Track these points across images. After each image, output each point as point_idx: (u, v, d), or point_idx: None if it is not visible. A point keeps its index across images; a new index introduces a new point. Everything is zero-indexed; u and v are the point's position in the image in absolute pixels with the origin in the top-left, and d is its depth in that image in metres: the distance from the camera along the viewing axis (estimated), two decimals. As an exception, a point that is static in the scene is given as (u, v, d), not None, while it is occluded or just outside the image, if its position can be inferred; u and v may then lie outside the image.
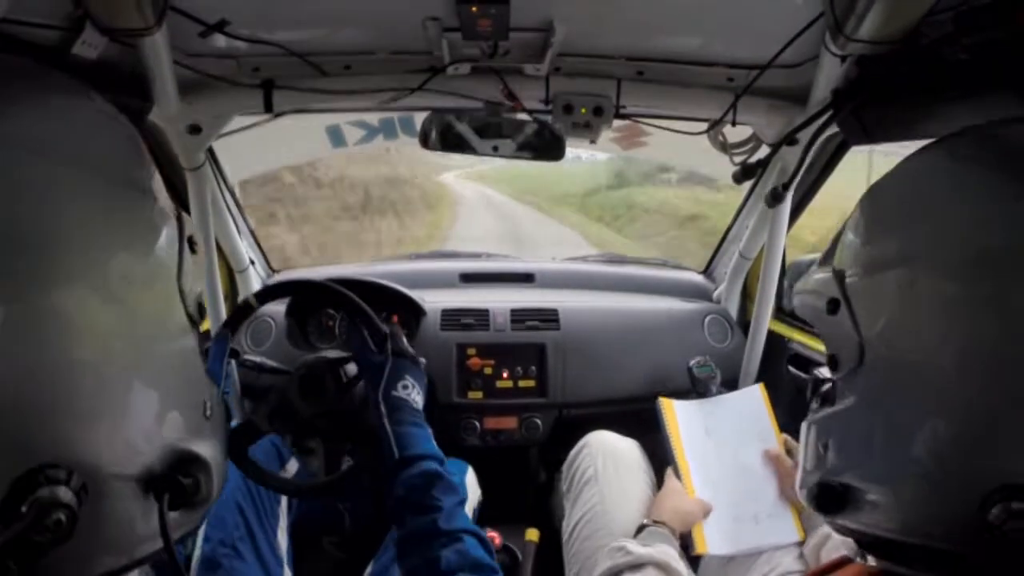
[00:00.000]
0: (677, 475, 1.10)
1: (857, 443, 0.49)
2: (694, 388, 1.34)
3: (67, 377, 0.40)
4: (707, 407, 1.26)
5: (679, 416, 1.23)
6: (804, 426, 0.56)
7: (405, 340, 0.98)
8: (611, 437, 1.18)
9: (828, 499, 0.50)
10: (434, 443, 0.85)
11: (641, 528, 0.95)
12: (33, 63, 0.49)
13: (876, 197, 0.51)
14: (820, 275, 0.54)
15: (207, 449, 0.51)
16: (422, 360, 0.97)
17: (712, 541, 1.03)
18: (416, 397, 0.90)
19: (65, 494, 0.38)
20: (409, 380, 0.90)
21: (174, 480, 0.46)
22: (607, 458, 1.12)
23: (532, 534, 1.17)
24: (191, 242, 0.52)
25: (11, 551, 0.37)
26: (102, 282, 0.42)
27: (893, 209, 0.49)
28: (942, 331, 0.43)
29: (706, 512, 1.05)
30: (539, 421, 1.45)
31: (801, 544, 0.98)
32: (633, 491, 1.07)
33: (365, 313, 0.99)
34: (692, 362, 1.37)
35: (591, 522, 1.03)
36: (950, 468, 0.43)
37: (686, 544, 1.01)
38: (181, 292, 0.49)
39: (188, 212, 1.29)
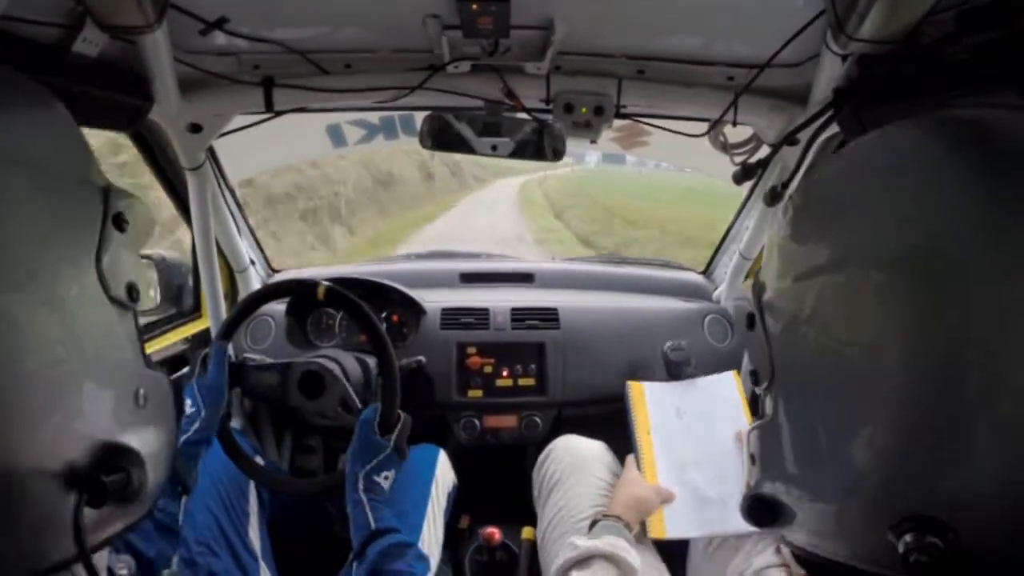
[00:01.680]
0: (638, 462, 1.11)
1: (774, 457, 0.49)
2: (668, 371, 1.35)
3: None
4: (679, 389, 1.27)
5: (648, 397, 1.23)
6: (743, 440, 0.56)
7: (407, 433, 1.01)
8: (576, 440, 1.19)
9: (759, 512, 0.50)
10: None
11: (593, 523, 0.96)
12: None
13: (788, 207, 0.50)
14: (747, 288, 0.54)
15: (141, 440, 0.48)
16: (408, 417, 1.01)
17: (672, 525, 1.02)
18: (388, 486, 0.96)
19: None
20: (392, 472, 0.96)
21: (94, 477, 0.43)
22: (572, 461, 1.12)
23: (528, 532, 1.17)
24: (118, 219, 0.48)
25: None
26: (6, 268, 0.39)
27: (806, 217, 0.49)
28: (842, 342, 0.42)
29: (666, 498, 1.04)
30: (539, 420, 1.45)
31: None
32: (595, 491, 1.07)
33: (393, 387, 1.02)
34: (666, 345, 1.37)
35: (559, 524, 1.04)
36: (859, 487, 0.41)
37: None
38: (100, 274, 0.46)
39: (188, 212, 1.30)
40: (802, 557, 0.48)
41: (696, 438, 1.15)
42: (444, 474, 1.22)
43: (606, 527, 0.93)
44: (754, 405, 1.35)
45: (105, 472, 0.44)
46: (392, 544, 0.86)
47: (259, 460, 1.17)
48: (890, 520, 0.39)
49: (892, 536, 0.38)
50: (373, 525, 0.88)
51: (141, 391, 0.50)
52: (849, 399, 0.42)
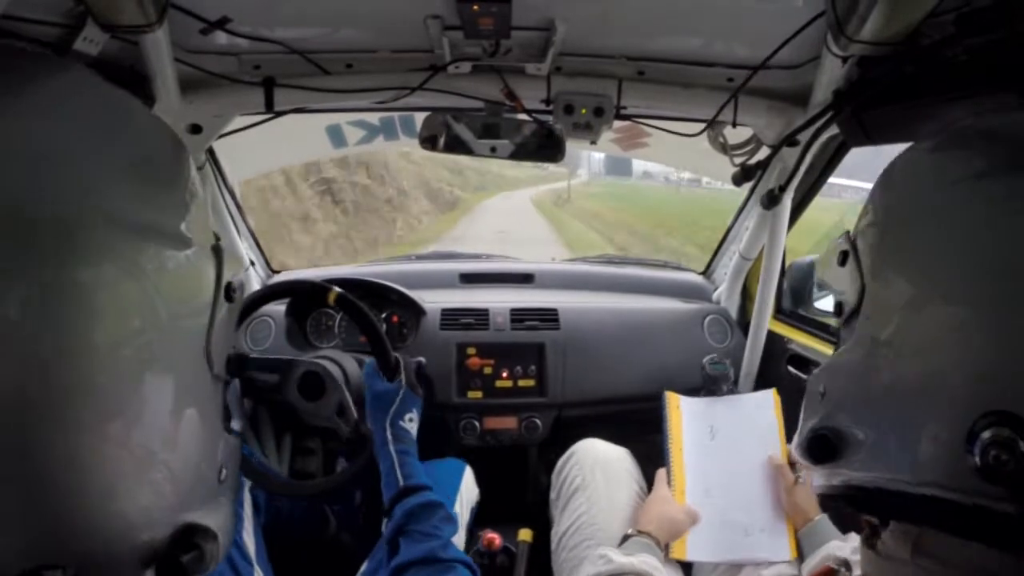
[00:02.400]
0: (668, 478, 1.09)
1: (851, 389, 0.49)
2: (704, 386, 1.33)
3: (70, 457, 0.36)
4: (715, 406, 1.23)
5: (684, 412, 1.21)
6: (811, 376, 0.55)
7: (413, 371, 1.01)
8: (600, 445, 1.18)
9: (820, 447, 0.49)
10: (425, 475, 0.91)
11: (626, 538, 0.95)
12: (76, 63, 0.44)
13: (888, 173, 0.51)
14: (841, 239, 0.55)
15: (217, 517, 0.47)
16: (420, 392, 1.00)
17: (692, 547, 1.01)
18: (414, 429, 0.95)
19: None
20: (414, 413, 0.95)
21: (175, 561, 0.43)
22: (595, 467, 1.11)
23: (525, 534, 1.17)
24: (229, 290, 0.45)
25: None
26: (114, 341, 0.37)
27: (900, 190, 0.49)
28: (934, 265, 0.43)
29: (694, 520, 1.03)
30: (539, 421, 1.45)
31: (798, 563, 0.96)
32: (621, 500, 1.06)
33: (380, 341, 1.01)
34: (706, 359, 1.36)
35: (578, 531, 1.03)
36: (937, 398, 0.40)
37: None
38: (208, 353, 0.43)
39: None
40: (860, 497, 0.47)
41: (726, 460, 1.13)
42: (468, 489, 1.21)
43: (639, 544, 0.92)
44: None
45: (184, 551, 0.43)
46: (419, 504, 0.84)
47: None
48: (971, 419, 0.38)
49: (968, 441, 0.37)
50: (402, 482, 0.87)
51: (224, 468, 0.49)
52: (932, 312, 0.42)
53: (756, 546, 1.00)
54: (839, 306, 0.52)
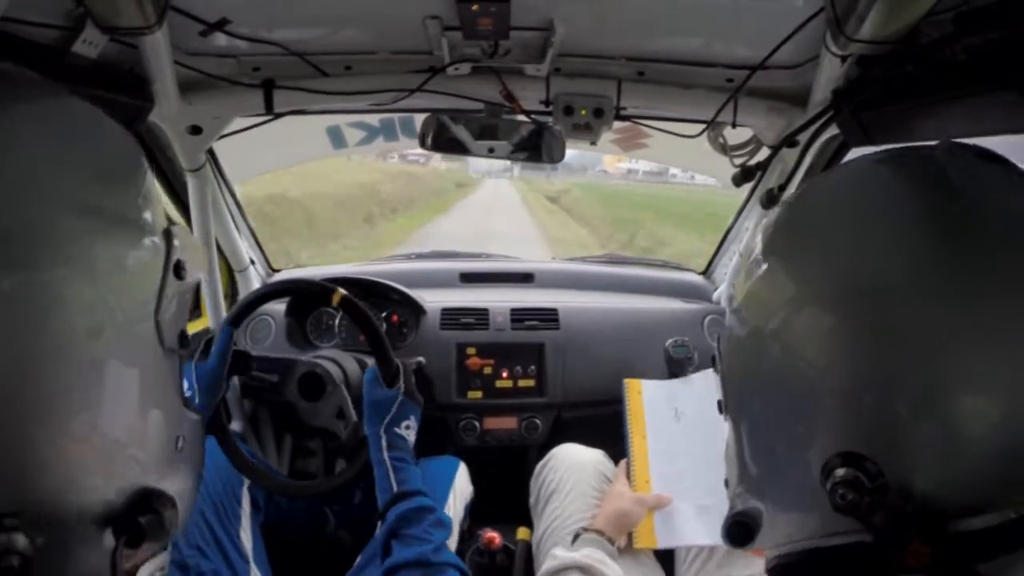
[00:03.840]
0: (629, 468, 1.10)
1: (738, 469, 0.55)
2: (669, 369, 1.33)
3: (27, 416, 0.39)
4: (678, 387, 1.24)
5: (646, 396, 1.21)
6: None
7: (413, 380, 1.00)
8: (576, 450, 1.18)
9: (738, 532, 0.53)
10: (421, 481, 0.91)
11: (576, 536, 0.97)
12: (30, 72, 0.47)
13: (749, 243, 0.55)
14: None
15: (175, 483, 0.49)
16: (420, 398, 1.00)
17: (662, 534, 1.01)
18: (412, 437, 0.95)
19: (19, 540, 0.38)
20: (412, 421, 0.95)
21: (134, 521, 0.44)
22: (569, 471, 1.12)
23: (524, 533, 1.17)
24: (178, 268, 0.48)
25: None
26: (69, 307, 0.39)
27: (770, 233, 0.54)
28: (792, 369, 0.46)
29: (653, 505, 1.03)
30: (538, 421, 1.45)
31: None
32: (590, 501, 1.07)
33: (382, 345, 1.01)
34: (668, 342, 1.35)
35: (553, 533, 1.04)
36: (796, 450, 0.45)
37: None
38: (159, 327, 0.46)
39: (188, 213, 1.30)
40: (785, 566, 0.50)
41: (693, 442, 1.12)
42: (462, 486, 1.22)
43: (587, 540, 0.94)
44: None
45: (141, 513, 0.45)
46: (411, 508, 0.85)
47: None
48: (821, 464, 0.42)
49: (823, 481, 0.42)
50: (395, 488, 0.88)
51: (181, 437, 0.51)
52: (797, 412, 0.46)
53: None
54: (720, 404, 0.58)
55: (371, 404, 0.96)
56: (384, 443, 0.92)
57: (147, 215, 0.47)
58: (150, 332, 0.46)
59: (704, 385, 1.23)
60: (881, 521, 0.40)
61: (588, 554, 0.88)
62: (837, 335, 0.43)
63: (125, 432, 0.44)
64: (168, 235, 0.48)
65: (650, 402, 1.20)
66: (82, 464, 0.42)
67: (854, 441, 0.41)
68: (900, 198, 0.45)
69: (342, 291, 1.05)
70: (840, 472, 0.41)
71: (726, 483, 0.57)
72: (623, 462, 1.12)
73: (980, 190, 0.43)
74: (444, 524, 0.86)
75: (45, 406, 0.39)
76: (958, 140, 0.48)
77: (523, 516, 1.24)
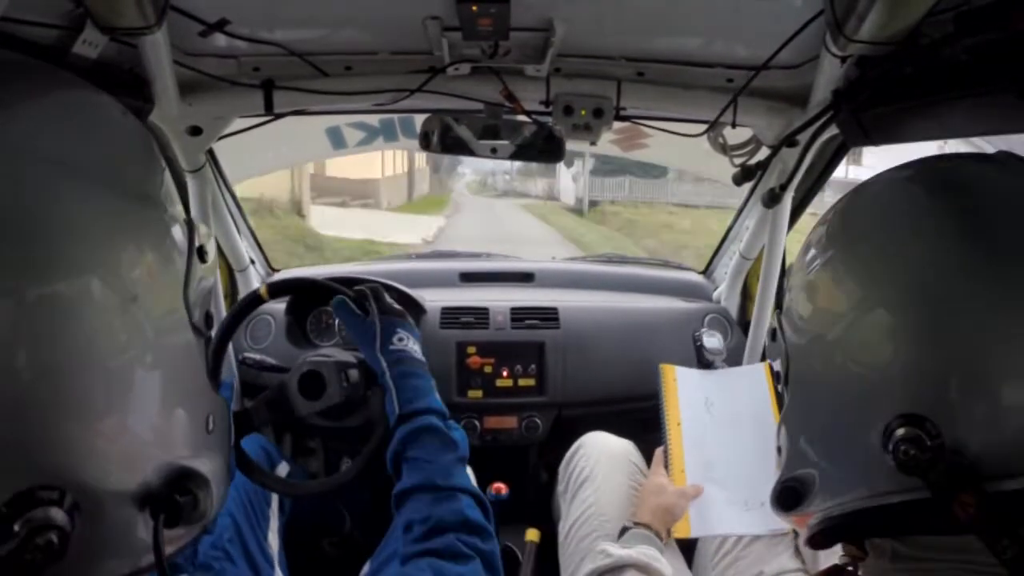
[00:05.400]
0: (666, 459, 1.10)
1: (797, 434, 0.57)
2: (699, 361, 1.33)
3: (65, 390, 0.39)
4: (710, 378, 1.24)
5: (680, 383, 1.21)
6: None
7: (387, 298, 0.95)
8: (607, 438, 1.18)
9: (788, 497, 0.56)
10: (436, 395, 0.86)
11: (624, 530, 0.96)
12: (45, 63, 0.49)
13: (817, 229, 0.58)
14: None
15: (208, 464, 0.50)
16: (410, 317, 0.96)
17: (696, 524, 1.01)
18: (414, 347, 0.90)
19: (57, 515, 0.38)
20: (402, 332, 0.90)
21: (171, 499, 0.45)
22: (602, 459, 1.12)
23: (532, 534, 1.17)
24: (201, 252, 0.50)
25: (4, 570, 0.37)
26: (104, 290, 0.41)
27: (826, 240, 0.56)
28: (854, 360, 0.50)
29: (693, 495, 1.03)
30: (539, 420, 1.45)
31: (796, 537, 0.97)
32: (627, 492, 1.07)
33: (337, 288, 0.97)
34: (698, 332, 1.35)
35: (587, 523, 1.03)
36: (857, 419, 0.49)
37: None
38: (187, 303, 0.48)
39: (188, 213, 1.30)
40: (833, 528, 0.53)
41: (723, 433, 1.13)
42: None
43: (637, 536, 0.93)
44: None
45: (177, 492, 0.46)
46: (413, 430, 0.79)
47: (283, 465, 1.16)
48: (884, 427, 0.46)
49: (885, 442, 0.45)
50: (398, 410, 0.82)
51: (211, 417, 0.52)
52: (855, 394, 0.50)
53: (756, 519, 1.00)
54: (778, 375, 0.61)
55: (355, 335, 0.92)
56: (384, 365, 0.86)
57: (172, 199, 0.50)
58: (181, 313, 0.48)
59: (734, 379, 1.23)
60: (936, 477, 0.43)
61: (644, 552, 0.87)
62: (901, 323, 0.47)
63: (159, 414, 0.46)
64: (189, 223, 0.51)
65: (684, 389, 1.20)
66: (118, 446, 0.43)
67: (914, 404, 0.45)
68: (956, 207, 0.49)
69: (265, 283, 1.03)
70: (901, 431, 0.44)
71: (778, 450, 0.60)
72: (659, 450, 1.12)
73: None
74: (453, 443, 0.79)
75: (81, 389, 0.40)
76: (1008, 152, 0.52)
77: (523, 516, 1.25)
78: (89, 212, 0.42)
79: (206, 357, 0.52)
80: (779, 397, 1.19)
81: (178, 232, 0.49)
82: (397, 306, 0.95)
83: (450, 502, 0.71)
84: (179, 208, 0.50)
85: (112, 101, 0.49)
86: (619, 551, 0.87)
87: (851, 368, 0.50)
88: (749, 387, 1.19)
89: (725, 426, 1.14)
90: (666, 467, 1.09)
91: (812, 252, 0.57)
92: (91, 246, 0.41)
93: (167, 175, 0.50)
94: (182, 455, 0.48)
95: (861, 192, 0.57)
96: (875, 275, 0.50)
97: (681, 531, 1.00)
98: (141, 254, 0.44)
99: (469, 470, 1.21)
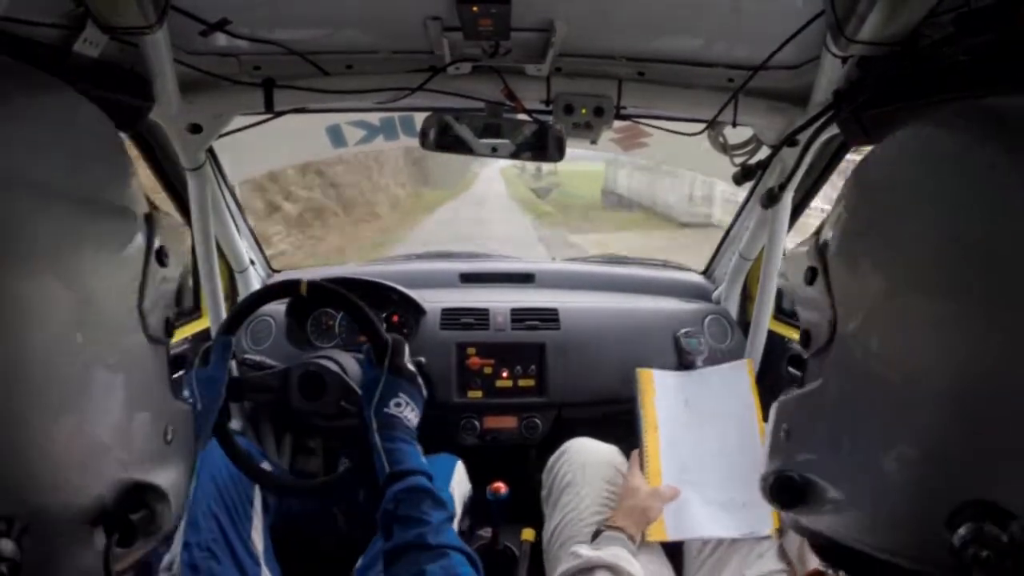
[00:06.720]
0: (642, 460, 1.10)
1: (820, 432, 0.45)
2: (679, 360, 1.33)
3: (9, 422, 0.37)
4: (689, 379, 1.24)
5: (657, 386, 1.21)
6: (772, 407, 0.51)
7: (407, 354, 0.96)
8: (590, 443, 1.18)
9: (785, 491, 0.46)
10: (423, 459, 0.87)
11: (597, 533, 0.96)
12: (21, 64, 0.44)
13: (864, 165, 0.46)
14: (806, 246, 0.49)
15: (166, 476, 0.48)
16: (420, 380, 0.96)
17: (672, 527, 1.01)
18: (409, 415, 0.90)
19: (7, 546, 0.36)
20: (403, 398, 0.90)
21: (124, 518, 0.43)
22: (585, 464, 1.12)
23: (528, 534, 1.17)
24: (160, 254, 0.46)
25: None
26: (55, 293, 0.38)
27: (877, 182, 0.44)
28: (920, 322, 0.38)
29: (669, 497, 1.03)
30: (539, 421, 1.45)
31: (779, 538, 0.96)
32: (602, 498, 1.07)
33: (370, 324, 0.98)
34: (679, 332, 1.35)
35: (567, 528, 1.04)
36: (919, 472, 0.37)
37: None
38: (141, 313, 0.45)
39: (188, 212, 1.30)
40: (826, 547, 0.45)
41: (703, 435, 1.13)
42: (460, 484, 1.21)
43: (609, 538, 0.93)
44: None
45: (132, 510, 0.44)
46: (404, 488, 0.80)
47: (265, 464, 1.16)
48: (951, 507, 0.35)
49: (946, 530, 0.35)
50: (387, 469, 0.83)
51: (169, 428, 0.49)
52: (915, 373, 0.38)
53: (737, 521, 1.00)
54: (806, 335, 0.47)
55: (361, 386, 0.92)
56: (374, 424, 0.87)
57: (124, 197, 0.45)
58: (134, 322, 0.44)
59: (715, 379, 1.23)
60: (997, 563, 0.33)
61: (614, 553, 0.88)
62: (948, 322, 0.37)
63: (111, 427, 0.43)
64: (150, 220, 0.46)
65: (661, 392, 1.20)
66: (68, 463, 0.40)
67: (985, 487, 0.35)
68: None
69: (306, 280, 1.01)
70: (967, 529, 0.34)
71: (786, 433, 0.49)
72: (635, 453, 1.12)
73: None
74: (444, 504, 0.81)
75: (27, 406, 0.38)
76: None
77: (523, 516, 1.25)
78: (40, 214, 0.39)
79: (166, 363, 0.49)
80: (771, 389, 1.20)
81: (139, 236, 0.45)
82: (411, 367, 0.95)
83: (442, 559, 0.73)
84: (138, 203, 0.47)
85: (83, 101, 0.45)
86: (589, 552, 0.88)
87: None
88: (730, 386, 1.19)
89: (704, 428, 1.14)
90: (643, 470, 1.09)
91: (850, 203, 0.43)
92: (40, 247, 0.38)
93: (134, 179, 0.47)
94: (138, 468, 0.45)
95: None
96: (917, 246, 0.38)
97: (656, 534, 1.00)
98: (95, 257, 0.42)
99: (465, 476, 1.22)
